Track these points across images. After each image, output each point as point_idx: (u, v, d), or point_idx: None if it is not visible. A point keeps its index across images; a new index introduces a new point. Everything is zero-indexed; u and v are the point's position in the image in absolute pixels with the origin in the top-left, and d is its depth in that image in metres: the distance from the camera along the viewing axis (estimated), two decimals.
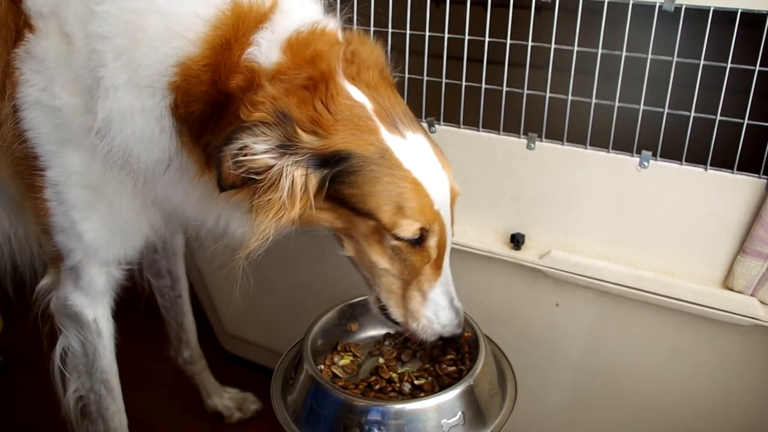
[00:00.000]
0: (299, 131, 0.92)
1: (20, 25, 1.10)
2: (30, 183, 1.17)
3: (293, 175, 0.93)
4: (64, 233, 1.21)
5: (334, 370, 1.19)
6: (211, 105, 0.99)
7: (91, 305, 1.31)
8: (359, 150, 0.95)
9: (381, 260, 1.05)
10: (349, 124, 0.95)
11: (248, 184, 0.94)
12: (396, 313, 1.11)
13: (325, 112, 0.94)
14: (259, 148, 0.91)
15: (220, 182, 0.93)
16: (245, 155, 0.91)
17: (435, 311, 1.08)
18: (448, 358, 1.20)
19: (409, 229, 0.99)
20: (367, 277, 1.12)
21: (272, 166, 0.92)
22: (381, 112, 0.98)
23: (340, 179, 0.96)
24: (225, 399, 1.93)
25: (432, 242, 1.03)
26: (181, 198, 1.12)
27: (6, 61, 1.12)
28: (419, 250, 1.04)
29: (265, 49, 0.98)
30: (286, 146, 0.92)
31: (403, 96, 1.47)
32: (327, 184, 0.96)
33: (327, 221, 1.03)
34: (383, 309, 1.13)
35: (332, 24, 1.06)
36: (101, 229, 1.20)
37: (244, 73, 0.97)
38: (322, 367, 1.19)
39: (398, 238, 1.01)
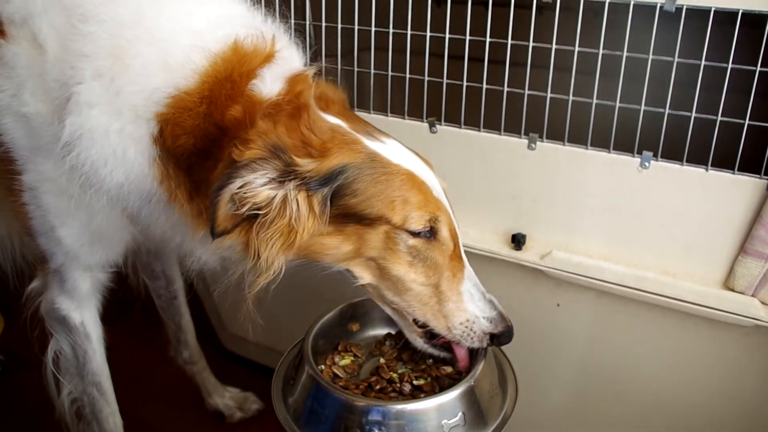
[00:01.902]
0: (294, 157, 0.97)
1: None
2: (9, 186, 1.19)
3: (297, 199, 0.97)
4: (45, 236, 1.22)
5: (335, 371, 1.19)
6: (202, 139, 1.02)
7: (78, 309, 1.32)
8: (351, 160, 0.99)
9: (403, 269, 1.05)
10: (334, 141, 1.01)
11: (240, 225, 0.97)
12: (438, 325, 1.08)
13: (312, 135, 1.00)
14: (259, 182, 0.95)
15: (213, 228, 0.96)
16: (246, 192, 0.94)
17: (474, 305, 1.07)
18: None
19: (420, 220, 1.01)
20: (394, 306, 1.10)
21: (274, 197, 0.96)
22: (356, 127, 1.06)
23: (342, 193, 1.00)
24: (226, 398, 1.93)
25: (444, 232, 1.05)
26: (150, 218, 1.13)
27: None
28: (436, 244, 1.05)
29: (269, 82, 1.05)
30: (285, 174, 0.96)
31: (403, 96, 1.47)
32: (329, 202, 1.00)
33: (335, 246, 1.04)
34: (429, 335, 1.12)
35: (311, 71, 1.13)
36: (81, 236, 1.21)
37: (244, 102, 1.02)
38: (323, 367, 1.19)
39: (413, 234, 1.02)
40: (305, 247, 1.02)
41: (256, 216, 0.97)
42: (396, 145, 1.08)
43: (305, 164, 0.97)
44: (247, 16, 1.13)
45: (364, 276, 1.08)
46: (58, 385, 1.41)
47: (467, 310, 1.07)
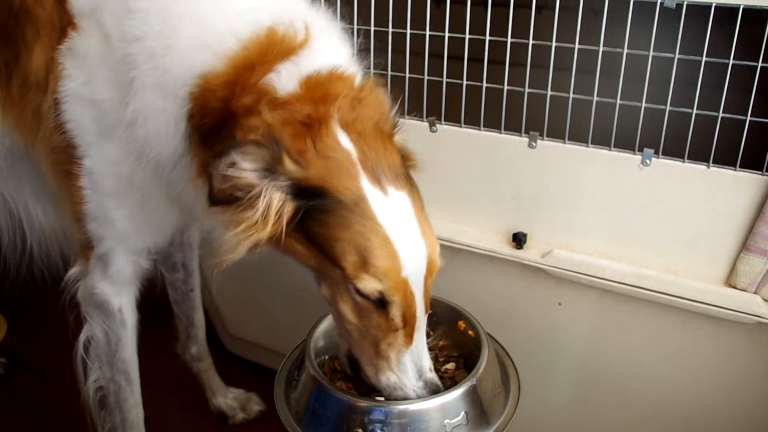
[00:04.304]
0: (284, 157, 0.94)
1: (64, 24, 1.16)
2: (67, 171, 1.22)
3: (270, 198, 0.94)
4: (97, 221, 1.24)
5: (336, 365, 1.20)
6: (219, 121, 1.02)
7: (118, 294, 1.34)
8: (335, 191, 0.94)
9: (348, 313, 1.02)
10: (331, 164, 0.96)
11: (235, 202, 0.96)
12: (368, 371, 1.07)
13: (312, 148, 0.96)
14: (245, 166, 0.93)
15: (210, 196, 0.96)
16: (233, 172, 0.93)
17: (404, 379, 1.04)
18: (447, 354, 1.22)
19: (369, 286, 0.95)
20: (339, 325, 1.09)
21: (255, 186, 0.94)
22: (366, 162, 0.97)
23: (312, 216, 0.96)
24: (229, 399, 1.93)
25: (395, 312, 0.99)
26: (186, 195, 1.14)
27: (50, 57, 1.17)
28: (384, 315, 0.99)
29: (285, 79, 1.00)
30: (270, 169, 0.94)
31: (403, 96, 1.47)
32: (300, 216, 0.96)
33: (303, 256, 1.02)
34: (352, 359, 1.11)
35: (352, 69, 1.07)
36: (133, 218, 1.24)
37: (257, 93, 0.99)
38: (326, 358, 1.21)
39: (360, 294, 0.97)
40: (270, 241, 0.98)
41: (238, 198, 0.96)
42: (399, 202, 0.97)
43: (292, 168, 0.95)
44: (292, 2, 1.09)
45: (324, 290, 1.06)
46: (85, 372, 1.42)
47: (393, 379, 1.05)
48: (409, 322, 1.00)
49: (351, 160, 0.97)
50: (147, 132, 1.08)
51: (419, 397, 1.05)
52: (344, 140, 0.98)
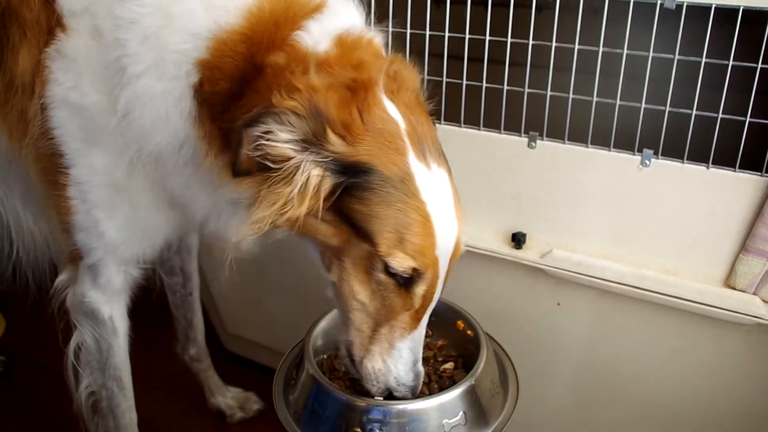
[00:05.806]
0: (328, 131, 0.88)
1: (52, 24, 1.11)
2: (54, 180, 1.18)
3: (309, 173, 0.89)
4: (86, 232, 1.21)
5: (335, 364, 1.20)
6: (239, 81, 0.95)
7: (108, 303, 1.32)
8: (382, 167, 0.90)
9: (361, 291, 0.99)
10: (378, 137, 0.90)
11: (261, 171, 0.90)
12: (356, 354, 1.04)
13: (358, 119, 0.90)
14: (283, 137, 0.87)
15: (236, 165, 0.89)
16: (267, 140, 0.87)
17: (395, 363, 1.02)
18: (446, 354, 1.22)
19: (403, 264, 0.92)
20: (341, 314, 1.07)
21: (291, 158, 0.88)
22: (413, 135, 0.93)
23: (352, 192, 0.91)
24: (228, 398, 1.94)
25: (419, 291, 0.97)
26: (190, 192, 1.10)
27: (37, 60, 1.12)
28: (404, 294, 0.97)
29: (316, 36, 0.94)
30: (311, 142, 0.88)
31: None
32: (339, 192, 0.91)
33: (325, 235, 0.98)
34: (351, 356, 1.08)
35: (378, 38, 1.03)
36: (123, 228, 1.21)
37: (288, 51, 0.93)
38: (324, 357, 1.21)
39: (389, 272, 0.94)
40: (297, 220, 0.93)
41: (268, 169, 0.90)
42: (440, 178, 0.95)
43: (336, 143, 0.88)
44: None
45: (334, 274, 1.02)
46: (77, 378, 1.41)
47: (386, 362, 1.02)
48: (424, 303, 0.99)
49: (399, 133, 0.92)
50: (144, 122, 1.02)
51: (401, 395, 1.03)
52: (393, 110, 0.93)
